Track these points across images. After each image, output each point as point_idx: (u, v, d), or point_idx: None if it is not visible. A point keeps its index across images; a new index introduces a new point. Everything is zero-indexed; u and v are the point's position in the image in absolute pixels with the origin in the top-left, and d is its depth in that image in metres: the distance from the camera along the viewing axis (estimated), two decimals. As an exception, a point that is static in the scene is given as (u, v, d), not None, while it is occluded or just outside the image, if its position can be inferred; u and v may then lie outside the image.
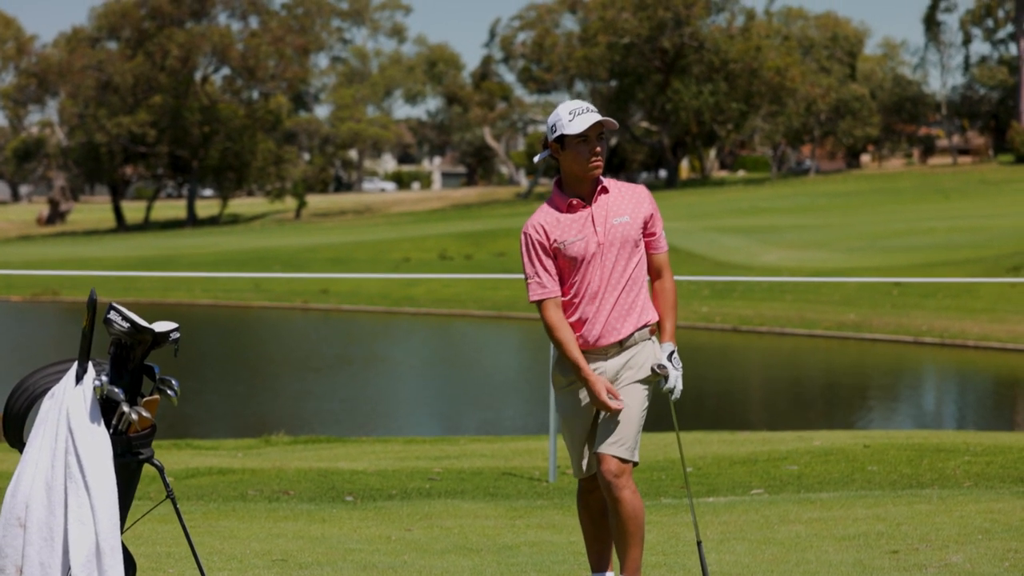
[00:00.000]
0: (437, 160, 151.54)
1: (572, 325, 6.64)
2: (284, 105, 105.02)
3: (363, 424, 24.51)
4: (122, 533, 5.88)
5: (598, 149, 6.60)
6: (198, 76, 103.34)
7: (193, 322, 47.75)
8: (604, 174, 6.75)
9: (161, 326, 5.94)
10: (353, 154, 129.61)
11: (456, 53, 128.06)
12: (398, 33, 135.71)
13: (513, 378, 32.75)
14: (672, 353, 6.67)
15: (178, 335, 5.96)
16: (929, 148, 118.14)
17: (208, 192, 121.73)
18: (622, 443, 6.56)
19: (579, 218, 6.63)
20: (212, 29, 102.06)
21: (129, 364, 5.94)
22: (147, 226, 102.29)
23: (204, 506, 10.44)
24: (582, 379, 6.55)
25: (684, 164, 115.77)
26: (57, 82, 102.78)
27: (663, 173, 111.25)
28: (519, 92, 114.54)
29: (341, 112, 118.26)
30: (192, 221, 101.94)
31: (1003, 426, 24.55)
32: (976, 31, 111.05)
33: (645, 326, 6.67)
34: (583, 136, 6.59)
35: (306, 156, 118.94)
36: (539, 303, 6.63)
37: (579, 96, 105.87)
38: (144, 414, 5.91)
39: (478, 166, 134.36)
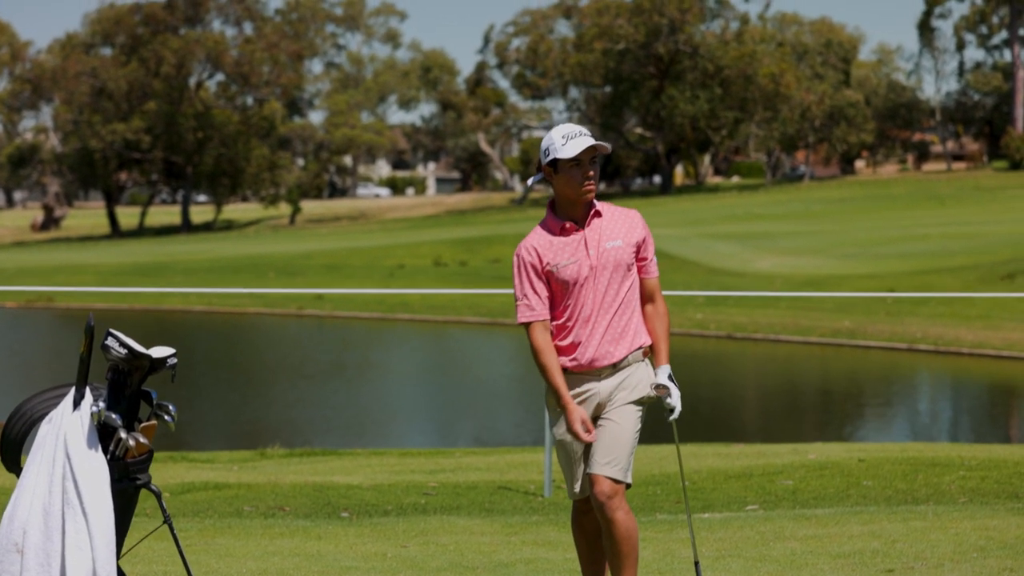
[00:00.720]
0: (431, 166, 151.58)
1: (565, 348, 6.66)
2: (278, 111, 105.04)
3: (359, 434, 24.51)
4: (119, 559, 5.89)
5: (591, 173, 6.64)
6: (192, 82, 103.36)
7: (188, 328, 47.75)
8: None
9: (158, 351, 5.96)
10: (347, 160, 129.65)
11: (451, 59, 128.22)
12: (393, 39, 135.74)
13: (508, 387, 32.75)
14: (669, 375, 6.71)
15: (175, 360, 5.98)
16: (923, 154, 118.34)
17: (202, 198, 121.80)
18: (615, 464, 6.58)
19: (572, 241, 6.66)
20: (206, 35, 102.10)
21: (126, 389, 5.97)
22: (142, 232, 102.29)
23: (200, 523, 10.45)
24: (560, 406, 6.58)
25: (679, 170, 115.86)
26: (51, 88, 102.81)
27: (657, 179, 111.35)
28: (513, 98, 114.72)
29: (335, 118, 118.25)
30: (186, 227, 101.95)
31: (998, 437, 24.58)
32: (970, 37, 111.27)
33: (638, 349, 6.70)
34: (576, 160, 6.62)
35: (300, 162, 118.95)
36: (527, 325, 6.66)
37: (574, 102, 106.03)
38: (141, 440, 5.93)
39: (472, 172, 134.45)
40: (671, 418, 6.72)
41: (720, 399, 30.05)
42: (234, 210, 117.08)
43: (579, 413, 6.56)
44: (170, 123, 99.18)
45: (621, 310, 6.67)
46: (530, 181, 6.85)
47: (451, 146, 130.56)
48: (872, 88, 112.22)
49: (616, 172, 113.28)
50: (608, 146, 6.61)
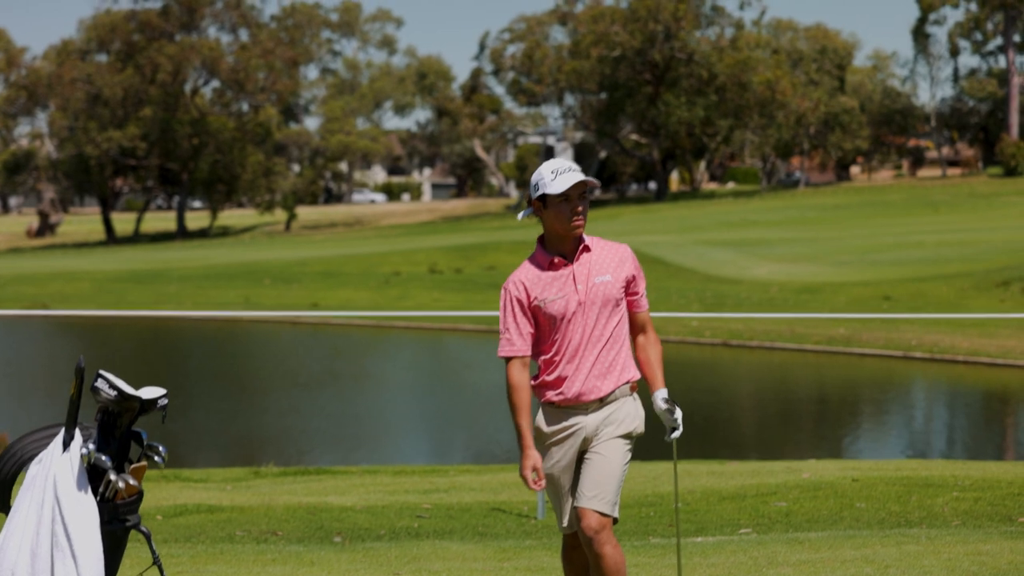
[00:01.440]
0: (427, 172, 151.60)
1: (552, 382, 6.66)
2: (274, 117, 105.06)
3: (353, 448, 24.48)
4: (108, 600, 5.89)
5: (580, 208, 6.63)
6: (188, 89, 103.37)
7: (182, 336, 47.71)
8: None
9: (148, 392, 5.94)
10: (343, 166, 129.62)
11: (446, 65, 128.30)
12: (388, 45, 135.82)
13: (503, 397, 32.73)
14: (665, 398, 6.70)
15: (166, 401, 5.96)
16: (919, 160, 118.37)
17: (198, 204, 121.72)
18: (602, 498, 6.58)
19: (560, 276, 6.66)
20: (202, 42, 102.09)
21: (116, 431, 5.95)
22: (137, 238, 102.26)
23: (192, 548, 10.42)
24: (520, 447, 6.58)
25: (674, 176, 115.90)
26: (47, 94, 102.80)
27: (653, 185, 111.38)
28: (509, 104, 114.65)
29: (331, 124, 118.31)
30: (182, 233, 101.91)
31: (992, 451, 24.57)
32: (965, 43, 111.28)
33: (626, 383, 6.70)
34: (565, 196, 6.62)
35: (296, 168, 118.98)
36: (506, 360, 6.66)
37: (569, 108, 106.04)
38: (131, 481, 5.91)
39: (468, 178, 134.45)
40: (670, 437, 6.71)
41: (715, 409, 30.04)
42: (229, 216, 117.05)
43: (534, 460, 6.56)
44: (166, 129, 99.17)
45: (609, 345, 6.66)
46: (520, 215, 6.84)
47: (446, 152, 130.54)
48: (867, 94, 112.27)
49: (612, 178, 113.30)
50: (597, 182, 6.61)
